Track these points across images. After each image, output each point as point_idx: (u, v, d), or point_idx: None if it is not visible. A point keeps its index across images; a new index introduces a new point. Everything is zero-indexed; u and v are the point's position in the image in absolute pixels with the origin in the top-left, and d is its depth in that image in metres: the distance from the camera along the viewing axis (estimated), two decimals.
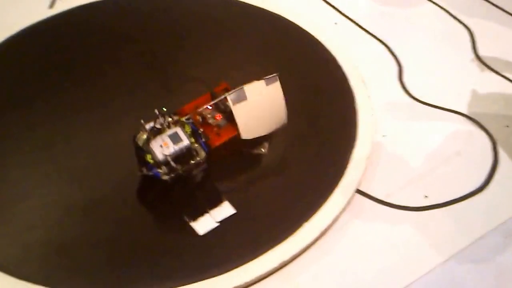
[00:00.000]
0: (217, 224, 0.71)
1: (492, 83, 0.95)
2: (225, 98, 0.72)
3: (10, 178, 0.75)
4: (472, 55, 1.00)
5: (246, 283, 0.66)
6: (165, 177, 0.69)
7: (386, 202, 0.77)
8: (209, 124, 0.74)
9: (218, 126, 0.74)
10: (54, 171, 0.76)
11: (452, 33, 1.04)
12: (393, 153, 0.83)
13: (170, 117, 0.71)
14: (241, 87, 0.72)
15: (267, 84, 0.73)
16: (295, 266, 0.70)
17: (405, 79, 0.94)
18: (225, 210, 0.73)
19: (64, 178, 0.75)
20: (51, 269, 0.66)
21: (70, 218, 0.71)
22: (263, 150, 0.80)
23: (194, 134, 0.72)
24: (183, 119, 0.72)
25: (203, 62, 0.93)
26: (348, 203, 0.75)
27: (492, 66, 0.98)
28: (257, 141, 0.78)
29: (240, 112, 0.72)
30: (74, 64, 0.91)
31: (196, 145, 0.71)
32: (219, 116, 0.75)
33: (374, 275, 0.69)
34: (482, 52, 1.00)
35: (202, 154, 0.71)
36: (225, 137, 0.74)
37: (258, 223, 0.73)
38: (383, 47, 1.00)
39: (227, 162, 0.76)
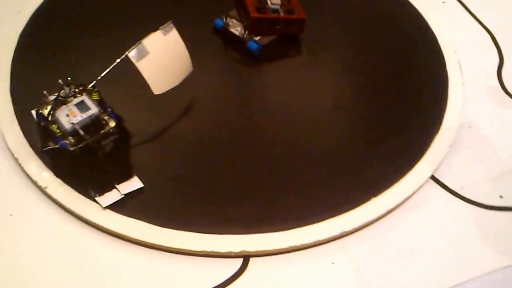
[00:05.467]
0: (122, 196, 0.66)
1: None
2: None
3: None
4: None
5: (302, 244, 0.64)
6: (73, 148, 0.65)
7: (458, 194, 0.72)
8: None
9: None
10: None
11: None
12: (476, 146, 0.77)
13: (76, 86, 0.67)
14: (139, 42, 0.67)
15: (164, 34, 0.69)
16: (355, 238, 0.66)
17: (504, 74, 0.87)
18: (133, 183, 0.67)
19: None
20: None
21: None
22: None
23: (101, 103, 0.67)
24: (90, 87, 0.67)
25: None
26: (420, 187, 0.71)
27: None
28: None
29: (145, 67, 0.67)
30: None
31: (105, 114, 0.67)
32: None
33: (430, 265, 0.65)
34: None
35: (112, 123, 0.67)
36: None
37: (326, 189, 0.69)
38: (488, 36, 0.93)
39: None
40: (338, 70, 0.84)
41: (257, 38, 0.83)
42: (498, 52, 0.90)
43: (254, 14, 0.78)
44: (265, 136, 0.74)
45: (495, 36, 0.92)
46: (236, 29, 0.83)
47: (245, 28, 0.82)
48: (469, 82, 0.84)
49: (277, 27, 0.82)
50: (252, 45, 0.82)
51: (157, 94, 0.70)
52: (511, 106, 0.83)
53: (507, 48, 0.91)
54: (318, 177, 0.70)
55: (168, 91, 0.71)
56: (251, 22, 0.79)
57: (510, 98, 0.84)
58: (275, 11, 0.81)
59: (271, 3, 0.81)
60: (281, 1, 0.82)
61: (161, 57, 0.69)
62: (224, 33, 0.85)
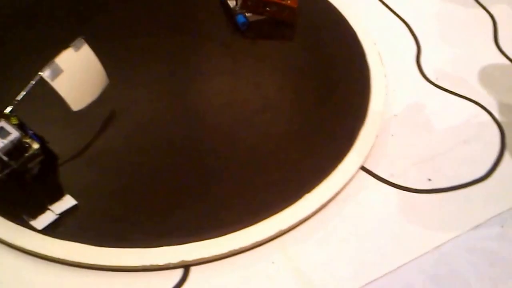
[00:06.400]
0: (57, 216, 0.65)
1: (508, 74, 0.90)
2: None
3: None
4: (493, 44, 0.95)
5: (241, 248, 0.64)
6: None
7: (389, 181, 0.73)
8: None
9: None
10: None
11: (476, 20, 0.99)
12: (402, 133, 0.79)
13: None
14: (51, 60, 0.66)
15: (76, 50, 0.68)
16: (292, 236, 0.67)
17: (422, 61, 0.90)
18: (66, 202, 0.66)
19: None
20: None
21: None
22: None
23: (22, 126, 0.65)
24: (7, 111, 0.65)
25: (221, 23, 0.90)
26: (351, 179, 0.72)
27: (511, 57, 0.93)
28: None
29: (61, 86, 0.66)
30: None
31: (27, 137, 0.65)
32: None
33: (368, 253, 0.66)
34: (502, 42, 0.95)
35: (35, 145, 0.65)
36: None
37: (260, 190, 0.69)
38: (404, 26, 0.95)
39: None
40: (260, 70, 0.84)
41: (248, 14, 0.87)
42: (415, 41, 0.93)
43: None
44: (194, 143, 0.74)
45: (410, 25, 0.95)
46: (232, 1, 0.89)
47: (237, 2, 0.88)
48: (391, 72, 0.86)
49: (267, 8, 0.86)
50: (240, 19, 0.87)
51: (77, 111, 0.69)
52: (431, 92, 0.85)
53: (423, 36, 0.94)
54: (250, 179, 0.70)
55: (87, 105, 0.70)
56: None
57: (430, 84, 0.86)
58: None
59: None
60: None
61: (76, 74, 0.68)
62: (223, 3, 0.91)
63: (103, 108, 0.74)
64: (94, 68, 0.70)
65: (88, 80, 0.70)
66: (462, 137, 0.80)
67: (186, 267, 0.63)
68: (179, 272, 0.63)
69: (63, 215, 0.65)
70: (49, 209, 0.65)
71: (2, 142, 0.62)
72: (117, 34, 0.86)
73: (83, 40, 0.68)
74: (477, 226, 0.71)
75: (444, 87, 0.86)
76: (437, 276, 0.66)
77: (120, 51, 0.83)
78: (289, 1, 0.86)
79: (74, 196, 0.66)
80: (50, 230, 0.64)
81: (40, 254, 0.62)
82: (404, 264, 0.66)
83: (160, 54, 0.84)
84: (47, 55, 0.67)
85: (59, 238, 0.63)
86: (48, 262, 0.63)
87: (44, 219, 0.64)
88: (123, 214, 0.66)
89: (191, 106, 0.79)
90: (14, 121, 0.65)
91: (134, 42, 0.85)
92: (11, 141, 0.63)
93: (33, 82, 0.65)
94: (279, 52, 0.87)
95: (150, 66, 0.82)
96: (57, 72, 0.66)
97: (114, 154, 0.71)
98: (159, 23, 0.89)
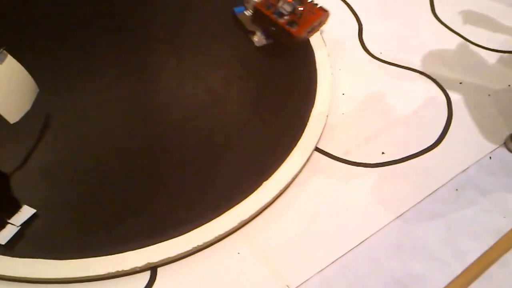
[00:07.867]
0: (19, 228, 0.63)
1: (448, 42, 0.91)
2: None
3: None
4: (430, 14, 0.96)
5: (205, 243, 0.63)
6: None
7: (344, 159, 0.74)
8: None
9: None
10: None
11: None
12: (352, 110, 0.80)
13: None
14: None
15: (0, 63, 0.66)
16: (255, 224, 0.67)
17: (365, 37, 0.90)
18: (25, 212, 0.65)
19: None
20: None
21: None
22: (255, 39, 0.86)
23: None
24: None
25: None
26: (307, 161, 0.72)
27: (449, 25, 0.94)
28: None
29: None
30: None
31: None
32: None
33: (332, 231, 0.67)
34: (439, 11, 0.96)
35: None
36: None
37: (218, 183, 0.69)
38: (343, 5, 0.96)
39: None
40: (206, 65, 0.83)
41: (248, 13, 0.88)
42: (356, 18, 0.94)
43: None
44: (146, 144, 0.73)
45: (350, 4, 0.96)
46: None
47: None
48: (335, 52, 0.87)
49: (257, 18, 0.86)
50: (238, 9, 0.89)
51: (15, 122, 0.66)
52: (376, 67, 0.86)
53: (364, 13, 0.94)
54: (207, 173, 0.70)
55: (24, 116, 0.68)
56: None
57: (374, 59, 0.87)
58: (280, 14, 0.83)
59: (281, 6, 0.84)
60: (293, 10, 0.83)
61: (5, 86, 0.65)
62: None
63: (40, 117, 0.73)
64: (22, 78, 0.68)
65: (18, 91, 0.67)
66: (410, 108, 0.81)
67: (153, 268, 0.63)
68: (146, 275, 0.62)
69: (24, 228, 0.63)
70: (9, 222, 0.63)
71: None
72: (49, 39, 0.84)
73: (5, 52, 0.66)
74: (433, 192, 0.72)
75: (389, 61, 0.87)
76: (400, 245, 0.67)
77: (55, 59, 0.81)
78: (294, 28, 0.82)
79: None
80: (11, 247, 0.62)
81: (1, 275, 0.61)
82: (368, 238, 0.67)
83: (101, 56, 0.83)
84: None
85: (20, 256, 0.61)
86: (10, 282, 0.61)
87: (6, 233, 0.63)
88: (83, 223, 0.65)
89: (139, 107, 0.77)
90: None
91: (69, 46, 0.83)
92: None
93: None
94: (222, 45, 0.86)
95: (92, 70, 0.81)
96: None
97: (64, 163, 0.70)
98: (96, 23, 0.87)
